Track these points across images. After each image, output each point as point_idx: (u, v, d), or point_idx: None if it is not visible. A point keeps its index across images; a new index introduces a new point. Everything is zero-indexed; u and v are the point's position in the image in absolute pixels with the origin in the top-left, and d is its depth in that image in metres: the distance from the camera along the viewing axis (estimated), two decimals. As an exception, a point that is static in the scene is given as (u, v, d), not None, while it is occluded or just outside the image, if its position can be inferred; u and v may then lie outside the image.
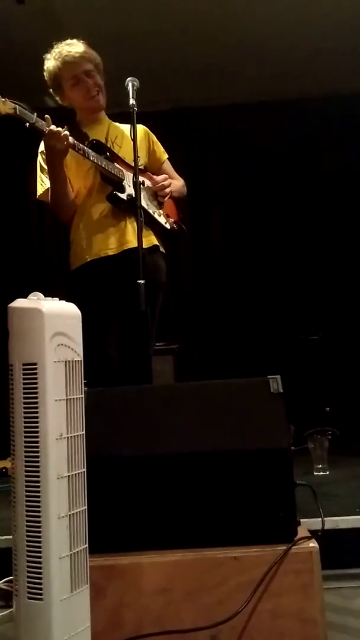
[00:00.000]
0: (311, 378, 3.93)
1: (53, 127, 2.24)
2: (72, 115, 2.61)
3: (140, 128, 2.58)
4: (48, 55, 2.51)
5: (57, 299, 1.31)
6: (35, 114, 2.18)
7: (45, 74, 2.53)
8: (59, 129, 2.26)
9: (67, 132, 2.27)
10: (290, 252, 4.48)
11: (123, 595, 1.49)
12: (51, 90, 2.56)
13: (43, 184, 2.49)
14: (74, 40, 2.51)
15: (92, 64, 2.51)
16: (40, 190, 2.51)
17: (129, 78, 2.36)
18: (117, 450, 1.60)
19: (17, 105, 2.10)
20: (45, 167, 2.44)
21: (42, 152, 2.50)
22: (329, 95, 4.39)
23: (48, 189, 2.46)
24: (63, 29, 2.54)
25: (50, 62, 2.50)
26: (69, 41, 2.51)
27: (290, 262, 4.47)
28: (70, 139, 2.28)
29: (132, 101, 2.34)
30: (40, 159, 2.51)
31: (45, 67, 2.52)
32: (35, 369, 1.23)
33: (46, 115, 2.23)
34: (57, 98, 2.58)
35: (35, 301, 1.27)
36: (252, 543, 1.53)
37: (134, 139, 2.32)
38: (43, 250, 4.59)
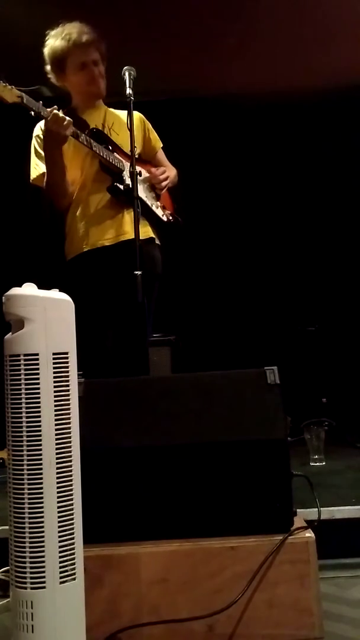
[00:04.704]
0: (308, 369, 3.94)
1: (57, 112, 2.21)
2: (67, 100, 2.58)
3: (136, 115, 2.56)
4: (53, 33, 2.45)
5: (57, 289, 1.31)
6: (41, 102, 2.16)
7: (47, 50, 2.46)
8: (63, 115, 2.23)
9: (70, 120, 2.25)
10: (287, 243, 4.48)
11: (120, 585, 1.49)
12: (48, 67, 2.49)
13: (37, 167, 2.45)
14: (83, 25, 2.45)
15: (100, 52, 2.47)
16: (34, 174, 2.47)
17: (126, 67, 2.34)
18: (115, 440, 1.60)
19: (23, 94, 2.08)
20: (41, 151, 2.41)
21: (37, 136, 2.46)
22: (331, 89, 4.37)
23: (43, 173, 2.43)
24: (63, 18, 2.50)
25: (57, 42, 2.43)
26: (77, 24, 2.45)
27: (287, 253, 4.47)
28: (72, 127, 2.26)
29: (128, 90, 2.32)
30: (35, 143, 2.47)
31: (48, 44, 2.45)
32: (67, 358, 1.27)
33: (54, 106, 2.21)
34: (52, 76, 2.52)
35: (58, 292, 1.29)
36: (248, 533, 1.53)
37: (131, 129, 2.30)
38: (35, 239, 4.53)
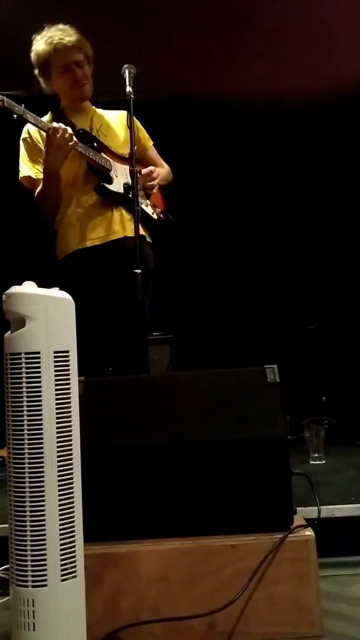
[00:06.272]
0: (308, 368, 3.94)
1: (56, 124, 2.21)
2: (56, 102, 2.58)
3: (124, 114, 2.56)
4: (38, 37, 2.45)
5: (57, 288, 1.31)
6: (23, 105, 2.15)
7: (32, 55, 2.46)
8: (65, 127, 2.23)
9: (70, 129, 2.25)
10: (286, 241, 4.48)
11: (120, 583, 1.50)
12: (36, 71, 2.50)
13: (23, 169, 2.46)
14: (67, 27, 2.45)
15: (84, 54, 2.46)
16: (22, 174, 2.48)
17: (126, 65, 2.33)
18: (115, 439, 1.60)
19: (4, 97, 2.08)
20: (28, 157, 2.43)
21: (24, 139, 2.47)
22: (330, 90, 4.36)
23: (28, 177, 2.44)
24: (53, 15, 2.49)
25: (40, 46, 2.44)
26: (61, 26, 2.45)
27: (287, 251, 4.47)
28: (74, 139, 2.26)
29: (128, 89, 2.31)
30: (22, 148, 2.47)
31: (33, 49, 2.46)
32: (68, 356, 1.28)
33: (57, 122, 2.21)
34: (41, 81, 2.52)
35: (58, 290, 1.30)
36: (248, 531, 1.53)
37: (131, 127, 2.30)
38: (35, 237, 4.51)
